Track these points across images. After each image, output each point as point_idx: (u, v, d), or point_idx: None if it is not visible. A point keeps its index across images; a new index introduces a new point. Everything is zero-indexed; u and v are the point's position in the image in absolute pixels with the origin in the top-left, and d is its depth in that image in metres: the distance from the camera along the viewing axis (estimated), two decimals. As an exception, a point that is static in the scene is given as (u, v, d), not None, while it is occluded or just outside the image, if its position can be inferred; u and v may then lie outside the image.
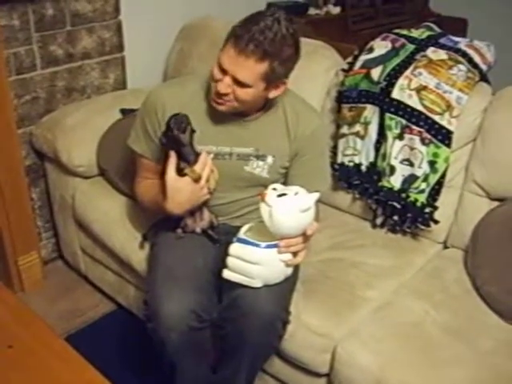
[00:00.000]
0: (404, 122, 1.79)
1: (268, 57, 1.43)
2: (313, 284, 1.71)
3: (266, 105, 1.63)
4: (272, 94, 1.55)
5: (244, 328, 1.48)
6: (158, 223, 1.81)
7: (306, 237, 1.45)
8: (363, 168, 1.93)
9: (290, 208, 1.39)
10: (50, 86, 2.24)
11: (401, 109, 1.79)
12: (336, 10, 3.08)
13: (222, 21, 2.34)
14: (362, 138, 1.91)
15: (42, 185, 2.35)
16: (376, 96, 1.84)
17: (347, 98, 1.93)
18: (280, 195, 1.41)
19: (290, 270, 1.50)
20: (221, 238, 1.69)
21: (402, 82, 1.79)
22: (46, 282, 2.36)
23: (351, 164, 1.95)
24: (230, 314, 1.52)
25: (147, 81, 2.46)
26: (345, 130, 1.96)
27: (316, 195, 1.41)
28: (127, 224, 1.98)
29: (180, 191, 1.55)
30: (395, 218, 1.89)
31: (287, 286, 1.56)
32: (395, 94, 1.80)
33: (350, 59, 2.01)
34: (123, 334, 2.11)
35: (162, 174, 1.57)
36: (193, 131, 1.53)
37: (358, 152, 1.93)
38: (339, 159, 1.98)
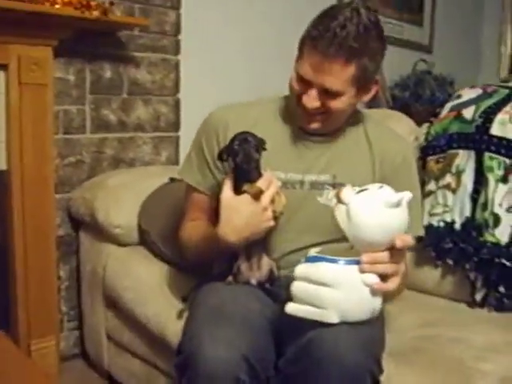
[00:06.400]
0: (508, 161, 1.49)
1: (356, 54, 1.21)
2: (405, 355, 1.30)
3: (349, 120, 1.38)
4: (364, 99, 1.33)
5: (319, 381, 1.05)
6: (201, 282, 1.46)
7: (395, 252, 1.08)
8: (457, 226, 1.58)
9: (373, 202, 1.05)
10: (97, 151, 2.07)
11: (503, 146, 1.50)
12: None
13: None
14: (454, 190, 1.59)
15: (73, 262, 2.06)
16: (471, 137, 1.57)
17: (434, 148, 1.67)
18: (360, 192, 1.09)
19: (378, 305, 1.10)
20: (281, 293, 1.31)
21: (501, 116, 1.53)
22: (61, 381, 1.94)
23: (441, 224, 1.61)
24: (297, 367, 1.10)
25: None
26: (432, 186, 1.66)
27: (408, 194, 1.07)
28: (165, 290, 1.64)
29: (237, 211, 1.24)
30: (501, 289, 1.48)
31: (377, 331, 1.16)
32: (495, 129, 1.53)
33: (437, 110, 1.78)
34: None
35: (216, 213, 1.28)
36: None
37: (450, 208, 1.60)
38: (425, 221, 1.64)
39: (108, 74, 2.05)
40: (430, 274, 1.69)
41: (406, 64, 3.23)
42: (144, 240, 1.84)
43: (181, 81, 2.27)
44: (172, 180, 2.00)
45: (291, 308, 1.11)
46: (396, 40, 3.22)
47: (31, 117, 1.80)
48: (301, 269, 1.12)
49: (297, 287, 1.11)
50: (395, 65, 2.89)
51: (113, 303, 1.83)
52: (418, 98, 3.06)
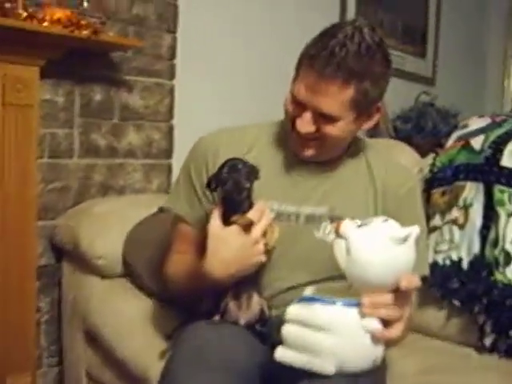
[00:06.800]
0: (520, 194, 1.39)
1: (355, 76, 1.12)
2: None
3: (349, 148, 1.29)
4: (365, 127, 1.23)
5: None
6: (187, 320, 1.34)
7: (400, 294, 0.96)
8: (464, 265, 1.47)
9: (376, 237, 0.94)
10: (85, 178, 1.97)
11: (514, 178, 1.40)
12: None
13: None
14: (462, 226, 1.49)
15: (55, 294, 1.93)
16: (479, 168, 1.48)
17: (439, 180, 1.57)
18: (362, 225, 0.98)
19: (379, 353, 0.97)
20: (273, 335, 1.20)
21: (512, 147, 1.43)
22: (37, 422, 1.81)
23: (447, 262, 1.50)
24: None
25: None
26: (437, 221, 1.55)
27: (416, 229, 0.96)
28: (149, 328, 1.53)
29: (225, 242, 1.13)
30: (512, 334, 1.37)
31: (378, 381, 1.04)
32: (505, 161, 1.43)
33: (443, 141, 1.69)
34: None
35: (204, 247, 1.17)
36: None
37: (456, 245, 1.49)
38: (430, 258, 1.53)
39: (98, 97, 1.97)
40: (435, 316, 1.56)
41: (408, 96, 3.17)
42: (129, 272, 1.73)
43: (175, 107, 2.19)
44: (161, 210, 1.90)
45: (280, 354, 1.00)
46: (398, 72, 3.15)
47: (14, 139, 1.70)
48: (293, 310, 1.00)
49: (288, 331, 0.99)
50: (397, 97, 2.81)
51: (93, 339, 1.70)
52: (420, 131, 2.98)
